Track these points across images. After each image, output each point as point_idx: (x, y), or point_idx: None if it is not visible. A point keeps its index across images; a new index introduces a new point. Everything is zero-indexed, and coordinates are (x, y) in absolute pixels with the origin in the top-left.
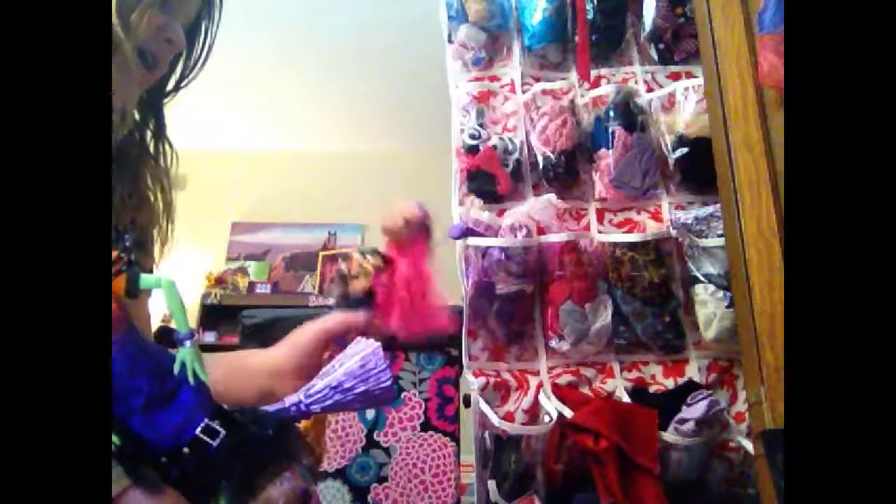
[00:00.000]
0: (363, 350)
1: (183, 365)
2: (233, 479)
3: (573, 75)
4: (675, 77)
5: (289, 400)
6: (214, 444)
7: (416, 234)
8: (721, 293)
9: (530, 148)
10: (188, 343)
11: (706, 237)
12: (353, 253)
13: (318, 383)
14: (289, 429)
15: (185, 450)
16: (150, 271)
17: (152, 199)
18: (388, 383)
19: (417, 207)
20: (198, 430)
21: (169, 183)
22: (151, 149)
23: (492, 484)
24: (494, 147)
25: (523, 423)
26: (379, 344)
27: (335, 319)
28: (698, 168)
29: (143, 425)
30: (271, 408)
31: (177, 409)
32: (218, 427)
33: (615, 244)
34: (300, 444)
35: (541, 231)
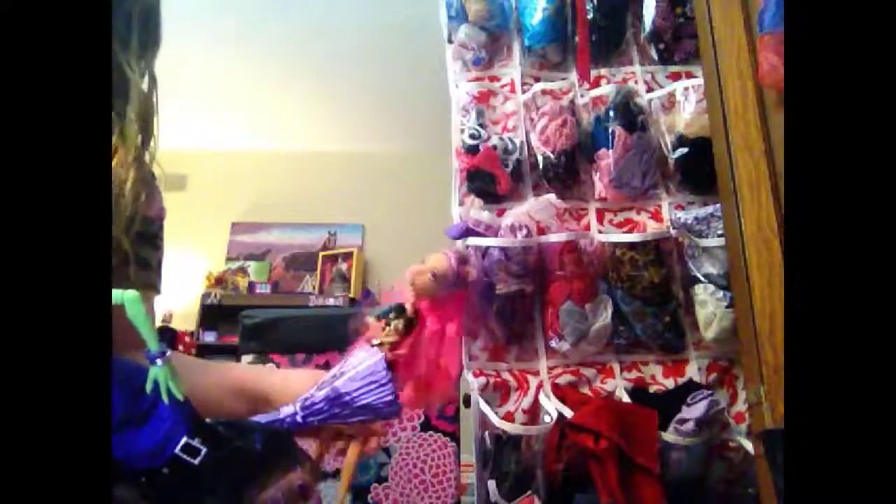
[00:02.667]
0: (365, 361)
1: (156, 383)
2: (219, 494)
3: (573, 75)
4: (675, 77)
5: (284, 411)
6: (196, 462)
7: (450, 288)
8: (721, 293)
9: (530, 148)
10: (159, 362)
11: (706, 237)
12: (370, 319)
13: (317, 395)
14: (281, 440)
15: (165, 470)
16: (160, 264)
17: (153, 187)
18: (391, 398)
19: (449, 258)
20: (177, 449)
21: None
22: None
23: (492, 484)
24: (494, 147)
25: (523, 423)
26: (382, 355)
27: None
28: (698, 168)
29: (118, 446)
30: (264, 419)
31: (153, 428)
32: (199, 445)
33: (615, 244)
34: (295, 454)
35: (541, 231)
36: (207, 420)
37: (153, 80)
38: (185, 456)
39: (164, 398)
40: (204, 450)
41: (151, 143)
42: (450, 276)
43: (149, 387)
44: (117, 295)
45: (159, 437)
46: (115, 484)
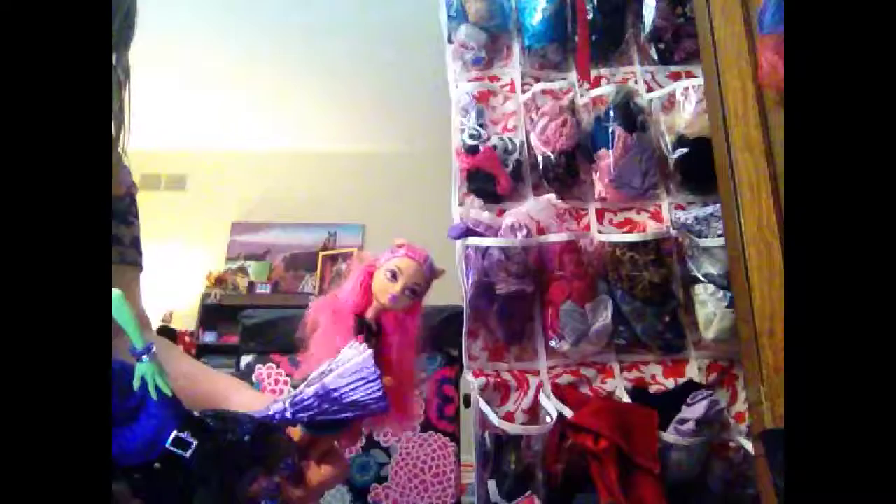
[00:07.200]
0: (354, 358)
1: (143, 380)
2: (210, 486)
3: (573, 75)
4: (675, 77)
5: (273, 407)
6: (187, 455)
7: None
8: (721, 293)
9: (530, 148)
10: (145, 358)
11: (706, 237)
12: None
13: (306, 391)
14: (270, 433)
15: (157, 464)
16: (136, 240)
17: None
18: (379, 394)
19: (422, 268)
20: (168, 443)
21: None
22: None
23: (492, 484)
24: (494, 147)
25: (523, 423)
26: (371, 352)
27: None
28: (698, 168)
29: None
30: (256, 414)
31: (144, 424)
32: (189, 438)
33: (615, 244)
34: (285, 448)
35: (541, 231)
36: (196, 413)
37: (126, 74)
38: (175, 450)
39: (153, 394)
40: (194, 443)
41: (123, 135)
42: (425, 286)
43: (136, 384)
44: None
45: (150, 433)
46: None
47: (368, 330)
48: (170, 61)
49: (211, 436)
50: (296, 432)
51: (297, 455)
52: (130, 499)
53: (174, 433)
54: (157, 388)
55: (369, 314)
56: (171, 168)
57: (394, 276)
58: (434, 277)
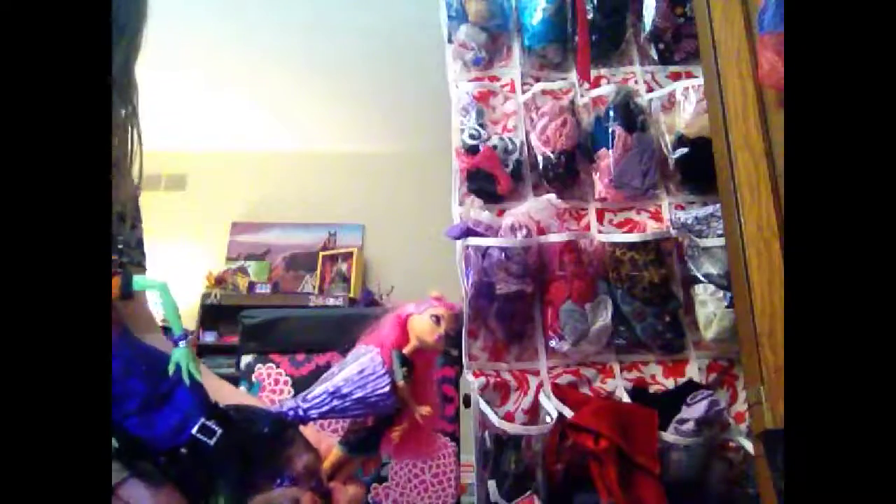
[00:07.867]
0: (362, 356)
1: (178, 365)
2: (230, 476)
3: (573, 75)
4: (675, 77)
5: (287, 405)
6: (211, 442)
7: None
8: (721, 293)
9: (530, 148)
10: (182, 344)
11: (706, 237)
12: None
13: (317, 388)
14: (287, 428)
15: (183, 450)
16: (140, 242)
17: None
18: (386, 390)
19: (456, 313)
20: (194, 430)
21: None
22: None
23: (492, 484)
24: (494, 147)
25: (523, 423)
26: (378, 350)
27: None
28: (698, 168)
29: (140, 427)
30: (271, 409)
31: (173, 410)
32: (214, 426)
33: (615, 244)
34: (301, 442)
35: (541, 231)
36: (219, 405)
37: (135, 88)
38: (201, 436)
39: (186, 379)
40: (219, 431)
41: (133, 146)
42: (455, 333)
43: (171, 368)
44: (148, 281)
45: (178, 419)
46: (139, 460)
47: (408, 364)
48: (170, 62)
49: (234, 426)
50: (334, 453)
51: (315, 458)
52: (158, 476)
53: (201, 420)
54: (189, 374)
55: (406, 351)
56: (171, 168)
57: (437, 320)
58: (459, 326)
